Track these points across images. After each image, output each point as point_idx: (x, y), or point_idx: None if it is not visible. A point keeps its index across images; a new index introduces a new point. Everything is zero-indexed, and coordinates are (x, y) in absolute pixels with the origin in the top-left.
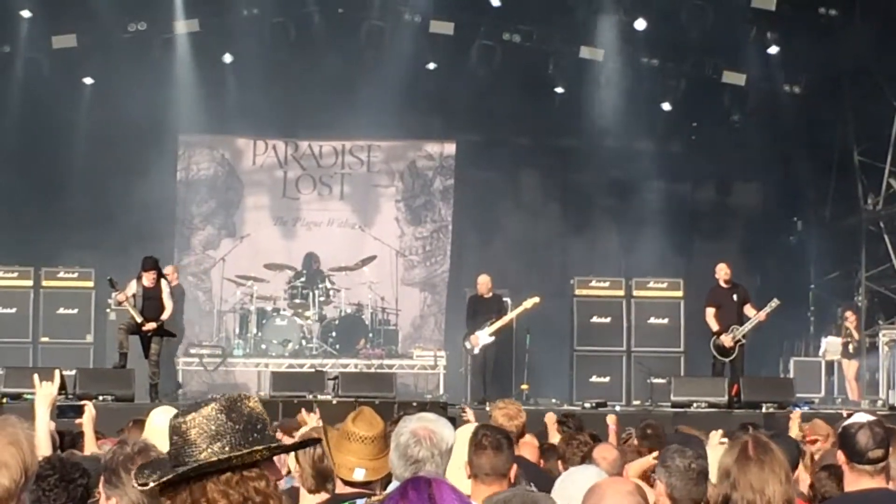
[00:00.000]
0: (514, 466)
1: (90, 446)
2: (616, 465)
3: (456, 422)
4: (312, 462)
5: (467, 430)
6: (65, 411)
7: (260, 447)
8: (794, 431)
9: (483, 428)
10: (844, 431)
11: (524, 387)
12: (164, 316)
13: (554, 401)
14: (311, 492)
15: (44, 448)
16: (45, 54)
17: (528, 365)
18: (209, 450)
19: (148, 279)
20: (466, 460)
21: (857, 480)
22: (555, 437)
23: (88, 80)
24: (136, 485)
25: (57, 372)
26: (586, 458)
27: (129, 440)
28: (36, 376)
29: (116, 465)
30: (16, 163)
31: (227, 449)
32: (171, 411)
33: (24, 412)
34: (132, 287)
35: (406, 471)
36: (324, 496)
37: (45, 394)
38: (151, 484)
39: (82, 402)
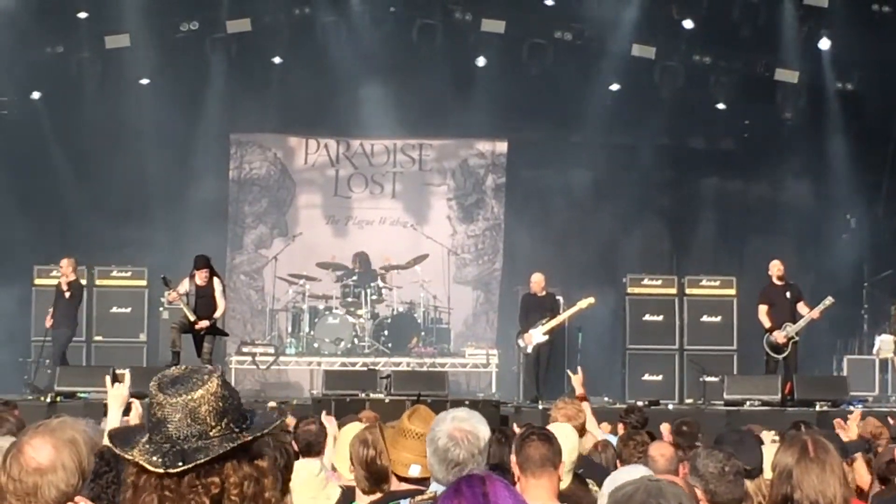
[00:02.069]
0: (563, 462)
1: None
2: (672, 463)
3: (508, 421)
4: (365, 463)
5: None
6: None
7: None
8: (853, 431)
9: (528, 426)
10: None
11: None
12: (217, 314)
13: (606, 399)
14: (365, 492)
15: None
16: (98, 54)
17: (580, 364)
18: (219, 427)
19: (200, 277)
20: (515, 460)
21: None
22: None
23: (145, 81)
24: (163, 469)
25: (127, 372)
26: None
27: None
28: (108, 378)
29: None
30: (69, 162)
31: (241, 426)
32: None
33: (78, 411)
34: (185, 285)
35: (449, 474)
36: (378, 496)
37: (116, 394)
38: (190, 465)
39: (130, 400)
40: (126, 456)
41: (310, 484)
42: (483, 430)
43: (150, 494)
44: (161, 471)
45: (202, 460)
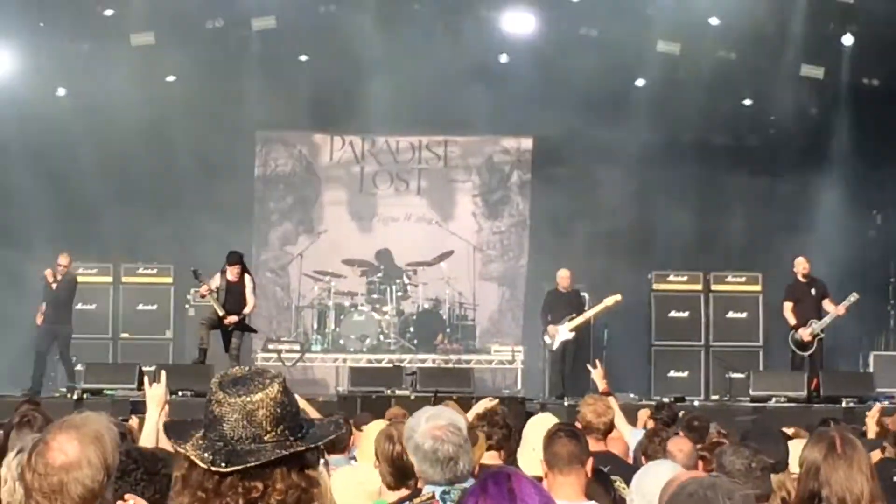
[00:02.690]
0: (591, 459)
1: (148, 437)
2: (692, 458)
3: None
4: (391, 458)
5: (538, 421)
6: (140, 406)
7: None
8: (871, 429)
9: (557, 424)
10: None
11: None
12: (246, 310)
13: (632, 396)
14: (391, 488)
15: (151, 444)
16: (124, 53)
17: (605, 360)
18: (274, 432)
19: (232, 273)
20: (542, 458)
21: None
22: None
23: (171, 78)
24: (208, 466)
25: (163, 373)
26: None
27: None
28: (146, 378)
29: None
30: (95, 160)
31: (297, 434)
32: None
33: (104, 407)
34: (216, 280)
35: (445, 472)
36: (404, 492)
37: (154, 394)
38: (240, 466)
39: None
40: (179, 449)
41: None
42: (460, 420)
43: (195, 491)
44: (206, 467)
45: (252, 464)
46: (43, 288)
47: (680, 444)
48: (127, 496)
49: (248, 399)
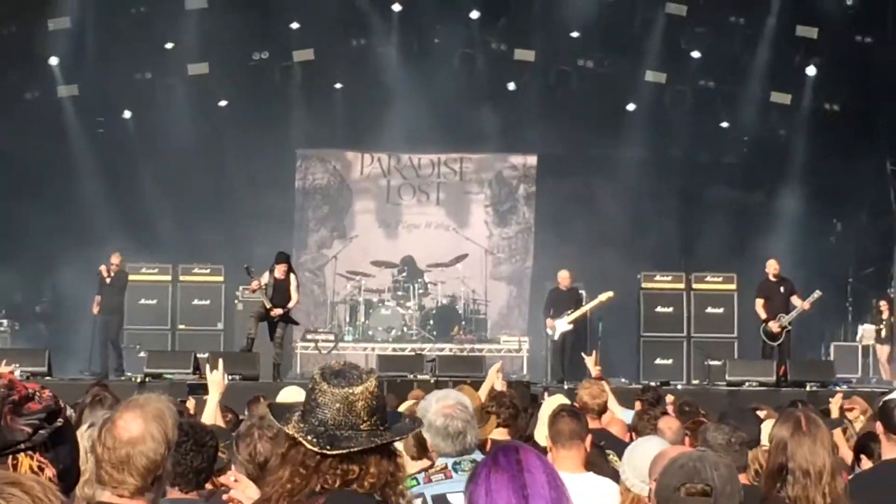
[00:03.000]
0: (590, 436)
1: (208, 416)
2: (679, 434)
3: (537, 399)
4: (416, 434)
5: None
6: (195, 389)
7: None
8: (834, 413)
9: (561, 405)
10: (884, 406)
11: (598, 367)
12: (291, 305)
13: (623, 380)
14: (413, 459)
15: (211, 421)
16: (181, 80)
17: (600, 349)
18: (368, 422)
19: (279, 271)
20: (547, 433)
21: (893, 450)
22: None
23: (223, 103)
24: (318, 449)
25: (221, 361)
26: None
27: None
28: (208, 365)
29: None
30: (156, 173)
31: (385, 425)
32: (299, 390)
33: (164, 390)
34: (265, 278)
35: (455, 445)
36: (426, 462)
37: (215, 379)
38: (344, 451)
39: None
40: (286, 430)
41: None
42: (466, 400)
43: (297, 467)
44: (317, 450)
45: (355, 449)
46: (98, 282)
47: (669, 423)
48: (230, 473)
49: (350, 391)
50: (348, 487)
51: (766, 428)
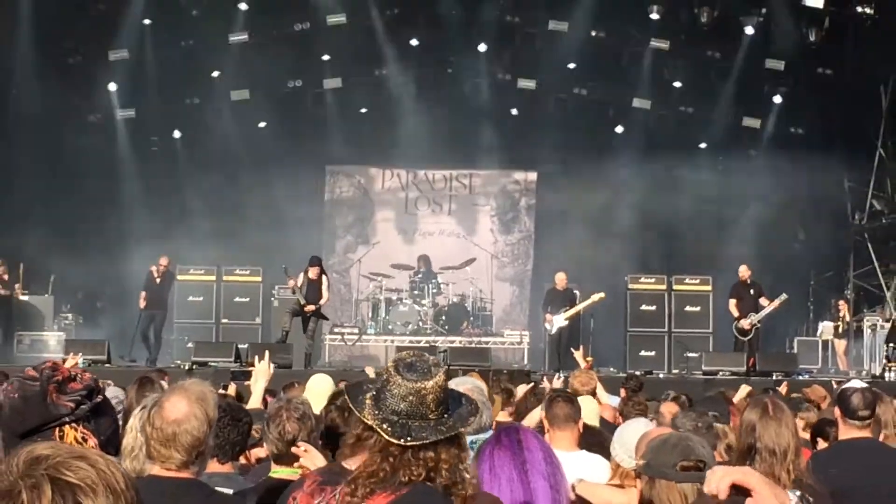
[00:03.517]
0: (581, 419)
1: (255, 401)
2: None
3: (537, 386)
4: None
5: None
6: (237, 375)
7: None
8: (738, 398)
9: (555, 391)
10: (842, 393)
11: (589, 359)
12: (322, 302)
13: (612, 369)
14: None
15: (258, 405)
16: (225, 105)
17: (591, 342)
18: (436, 412)
19: (313, 273)
20: (543, 415)
21: (848, 432)
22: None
23: (262, 124)
24: (389, 437)
25: (267, 352)
26: (642, 415)
27: (288, 396)
28: (256, 356)
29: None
30: (202, 186)
31: (450, 412)
32: (327, 378)
33: (209, 376)
34: (300, 278)
35: (473, 424)
36: None
37: (262, 369)
38: (418, 442)
39: (250, 369)
40: (363, 417)
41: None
42: (480, 383)
43: (379, 455)
44: (395, 440)
45: (430, 440)
46: (146, 280)
47: (670, 407)
48: (300, 443)
49: (423, 385)
50: (430, 476)
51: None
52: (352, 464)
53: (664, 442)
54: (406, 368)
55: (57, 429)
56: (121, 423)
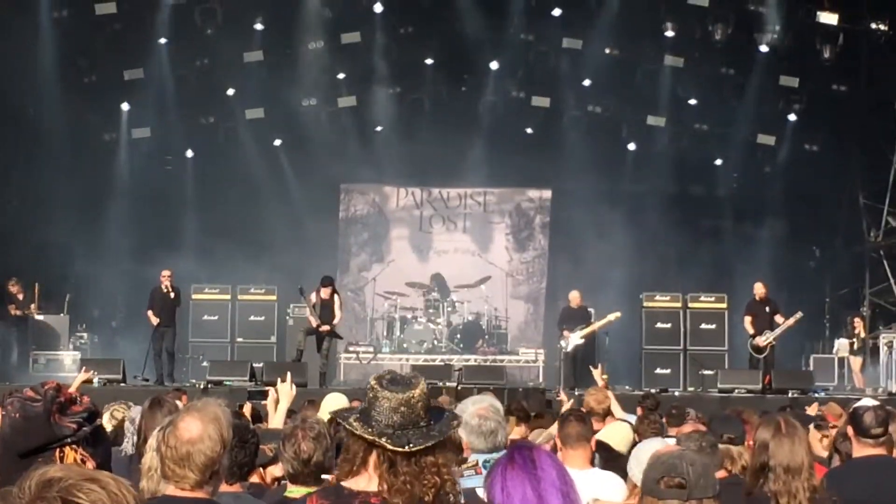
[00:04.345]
0: (594, 438)
1: (271, 421)
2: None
3: (552, 403)
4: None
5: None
6: (255, 395)
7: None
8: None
9: (568, 411)
10: (854, 412)
11: (604, 377)
12: (335, 321)
13: (627, 387)
14: None
15: (280, 425)
16: (240, 123)
17: (606, 360)
18: (426, 419)
19: (325, 292)
20: (556, 434)
21: (862, 450)
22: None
23: (277, 142)
24: (393, 446)
25: (289, 374)
26: (657, 434)
27: (303, 416)
28: (279, 378)
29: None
30: (217, 206)
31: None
32: (342, 397)
33: (224, 395)
34: (313, 298)
35: (487, 442)
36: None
37: (284, 389)
38: (420, 447)
39: (266, 388)
40: (363, 435)
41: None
42: (498, 403)
43: (389, 472)
44: (398, 449)
45: (429, 444)
46: (153, 295)
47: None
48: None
49: (410, 394)
50: (441, 480)
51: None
52: (353, 484)
53: (657, 458)
54: (390, 383)
55: (58, 449)
56: (135, 441)
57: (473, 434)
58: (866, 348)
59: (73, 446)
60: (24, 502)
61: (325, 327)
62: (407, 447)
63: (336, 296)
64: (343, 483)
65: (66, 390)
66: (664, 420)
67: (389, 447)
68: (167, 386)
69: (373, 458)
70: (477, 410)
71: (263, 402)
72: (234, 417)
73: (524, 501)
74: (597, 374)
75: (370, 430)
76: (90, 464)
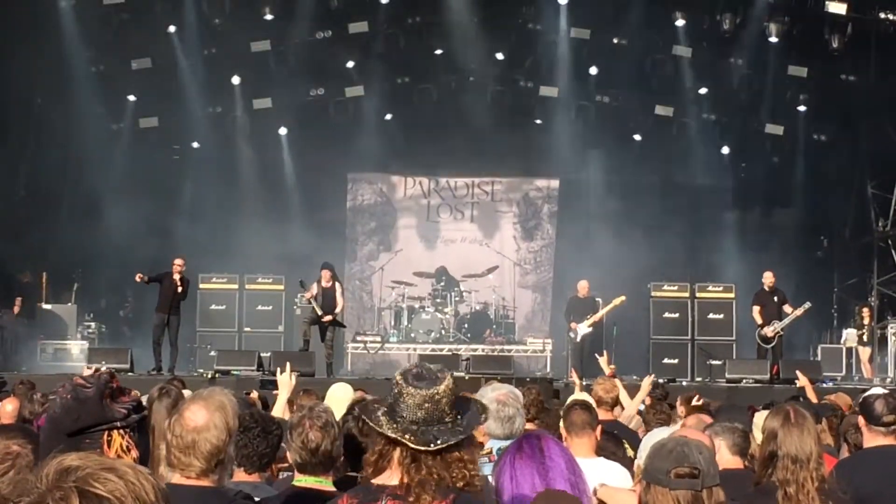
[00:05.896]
0: (599, 426)
1: (278, 411)
2: (700, 426)
3: (560, 393)
4: None
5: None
6: (265, 384)
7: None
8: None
9: (573, 399)
10: (864, 401)
11: (611, 367)
12: (337, 310)
13: (635, 378)
14: None
15: (280, 415)
16: (247, 113)
17: (614, 350)
18: (451, 415)
19: (325, 278)
20: (562, 423)
21: (873, 439)
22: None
23: (283, 131)
24: (416, 444)
25: (288, 364)
26: (665, 424)
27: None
28: (279, 368)
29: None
30: (224, 196)
31: (461, 413)
32: (347, 387)
33: (231, 384)
34: (314, 288)
35: (505, 428)
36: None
37: (283, 380)
38: (444, 445)
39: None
40: (386, 432)
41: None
42: (517, 391)
43: (413, 467)
44: (421, 448)
45: (452, 441)
46: (164, 279)
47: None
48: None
49: (435, 391)
50: (467, 477)
51: (758, 420)
52: (380, 481)
53: (662, 447)
54: (415, 378)
55: (107, 432)
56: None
57: (492, 419)
58: (874, 338)
59: (121, 431)
60: (40, 492)
61: (328, 317)
62: (432, 445)
63: (337, 283)
64: (373, 481)
65: (117, 380)
66: (680, 409)
67: (412, 445)
68: (164, 375)
69: (396, 453)
70: (497, 396)
71: (275, 392)
72: (246, 407)
73: (533, 490)
74: (603, 362)
75: (395, 426)
76: (134, 452)
